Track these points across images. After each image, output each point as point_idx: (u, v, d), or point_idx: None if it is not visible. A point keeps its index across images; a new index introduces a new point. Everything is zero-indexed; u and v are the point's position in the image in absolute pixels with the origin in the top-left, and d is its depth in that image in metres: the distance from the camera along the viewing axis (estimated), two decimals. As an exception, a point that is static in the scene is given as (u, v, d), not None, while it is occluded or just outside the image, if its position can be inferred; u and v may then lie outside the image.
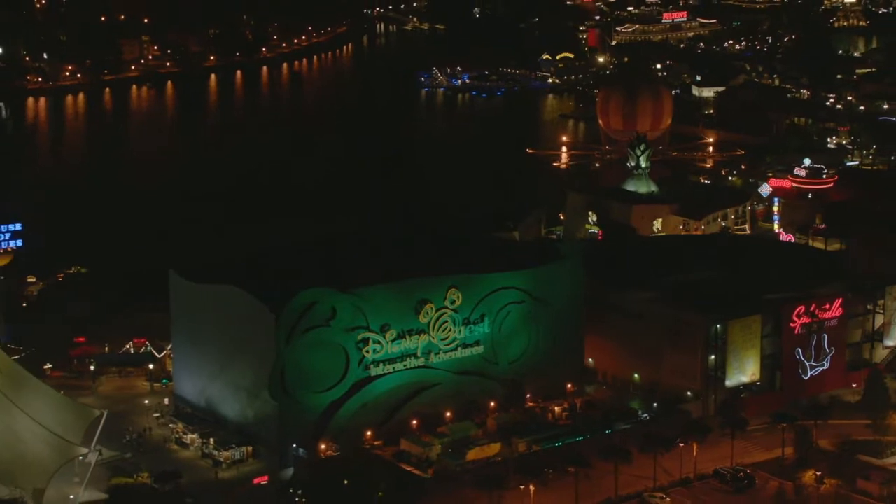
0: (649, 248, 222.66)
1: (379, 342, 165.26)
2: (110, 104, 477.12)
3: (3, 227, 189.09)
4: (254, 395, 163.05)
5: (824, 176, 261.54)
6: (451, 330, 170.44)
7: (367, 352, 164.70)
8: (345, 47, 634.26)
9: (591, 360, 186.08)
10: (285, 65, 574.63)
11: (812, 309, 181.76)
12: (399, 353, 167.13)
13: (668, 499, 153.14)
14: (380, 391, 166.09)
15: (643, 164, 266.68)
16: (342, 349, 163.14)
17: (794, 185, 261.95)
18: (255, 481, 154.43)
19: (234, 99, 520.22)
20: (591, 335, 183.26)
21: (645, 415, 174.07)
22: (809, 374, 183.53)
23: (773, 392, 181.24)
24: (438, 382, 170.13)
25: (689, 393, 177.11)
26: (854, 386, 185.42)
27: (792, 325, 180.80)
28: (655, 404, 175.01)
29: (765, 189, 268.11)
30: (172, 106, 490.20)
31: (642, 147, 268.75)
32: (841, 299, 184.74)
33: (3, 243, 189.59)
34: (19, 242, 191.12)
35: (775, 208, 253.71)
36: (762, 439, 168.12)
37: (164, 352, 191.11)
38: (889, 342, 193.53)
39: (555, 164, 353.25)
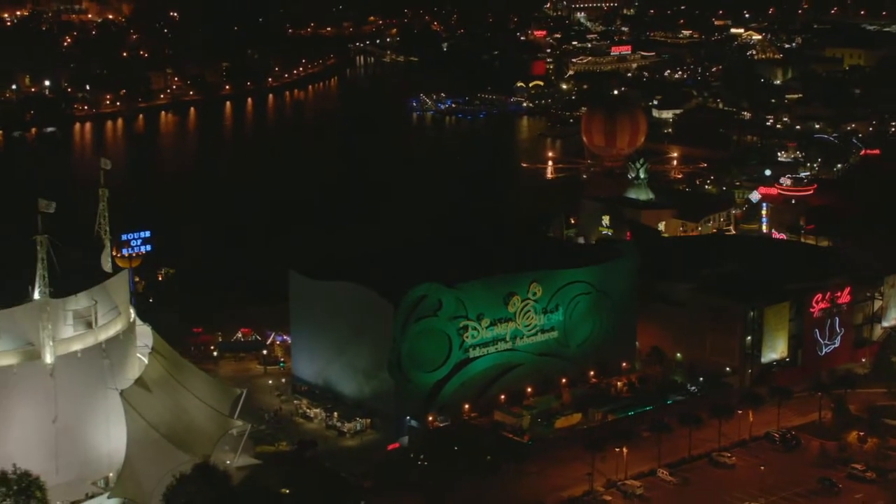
0: (675, 246, 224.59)
1: (476, 329, 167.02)
2: (145, 128, 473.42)
3: (135, 234, 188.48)
4: (372, 374, 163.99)
5: (799, 184, 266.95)
6: (532, 318, 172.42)
7: (467, 337, 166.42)
8: (334, 78, 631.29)
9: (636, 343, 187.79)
10: (287, 93, 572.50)
11: (828, 296, 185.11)
12: (491, 338, 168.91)
13: (733, 458, 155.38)
14: (476, 371, 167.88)
15: (642, 176, 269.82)
16: (446, 335, 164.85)
17: (780, 192, 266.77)
18: (389, 448, 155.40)
19: (246, 122, 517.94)
20: (639, 320, 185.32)
21: (693, 388, 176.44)
22: (824, 350, 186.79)
23: (796, 367, 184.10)
24: (522, 363, 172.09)
25: (727, 369, 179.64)
26: (863, 360, 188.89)
27: (812, 309, 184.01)
28: (701, 379, 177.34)
29: (755, 196, 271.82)
30: (196, 128, 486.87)
31: (641, 161, 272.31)
32: (850, 287, 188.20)
33: (135, 248, 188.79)
34: (149, 247, 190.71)
35: (763, 212, 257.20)
36: (796, 406, 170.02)
37: (271, 338, 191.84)
38: (885, 323, 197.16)
39: (549, 176, 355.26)
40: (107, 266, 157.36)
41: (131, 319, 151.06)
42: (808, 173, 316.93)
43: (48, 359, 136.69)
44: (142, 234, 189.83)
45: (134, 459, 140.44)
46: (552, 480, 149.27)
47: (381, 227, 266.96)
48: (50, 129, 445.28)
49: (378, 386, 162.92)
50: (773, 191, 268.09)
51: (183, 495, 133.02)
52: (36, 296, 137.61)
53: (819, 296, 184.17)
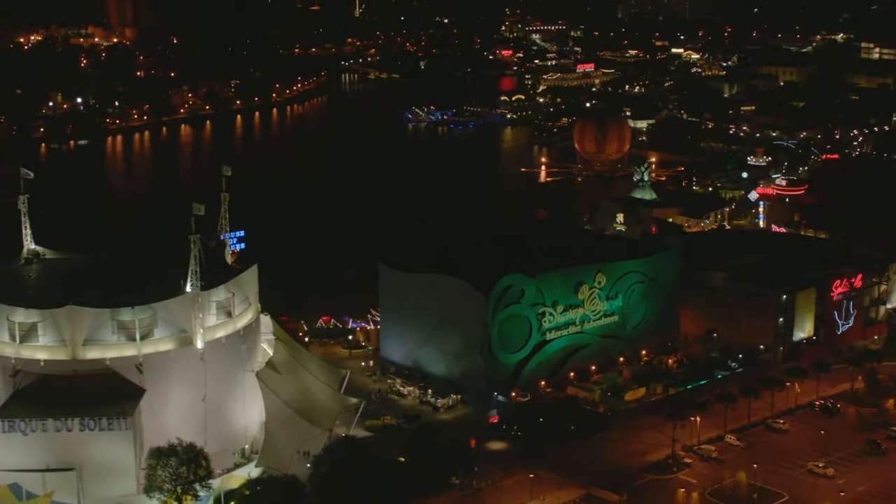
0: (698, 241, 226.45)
1: (552, 314, 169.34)
2: (168, 139, 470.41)
3: (231, 233, 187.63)
4: (463, 355, 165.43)
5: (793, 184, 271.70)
6: (598, 304, 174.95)
7: (544, 322, 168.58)
8: (326, 94, 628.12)
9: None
10: (288, 107, 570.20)
11: (845, 282, 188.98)
12: (564, 322, 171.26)
13: (786, 424, 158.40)
14: (552, 351, 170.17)
15: (646, 178, 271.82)
16: (527, 320, 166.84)
17: (775, 191, 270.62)
18: (490, 420, 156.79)
19: (258, 133, 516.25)
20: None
21: (734, 363, 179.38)
22: (841, 329, 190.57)
23: (818, 344, 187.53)
24: (588, 344, 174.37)
25: (761, 347, 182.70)
26: (875, 338, 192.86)
27: (832, 294, 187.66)
28: (741, 356, 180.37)
29: (753, 195, 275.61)
30: (216, 139, 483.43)
31: (645, 165, 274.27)
32: (862, 274, 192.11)
33: (231, 246, 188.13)
34: (243, 245, 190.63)
35: (761, 209, 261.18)
36: (827, 378, 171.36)
37: (349, 325, 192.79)
38: (889, 305, 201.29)
39: (548, 179, 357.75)
40: (229, 261, 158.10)
41: (258, 309, 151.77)
42: (777, 175, 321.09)
43: (199, 344, 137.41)
44: (237, 234, 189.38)
45: (273, 433, 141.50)
46: (633, 447, 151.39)
47: (419, 226, 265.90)
48: (83, 142, 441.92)
49: (469, 366, 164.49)
50: (770, 190, 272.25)
51: (327, 463, 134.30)
52: (188, 288, 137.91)
53: (838, 282, 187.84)
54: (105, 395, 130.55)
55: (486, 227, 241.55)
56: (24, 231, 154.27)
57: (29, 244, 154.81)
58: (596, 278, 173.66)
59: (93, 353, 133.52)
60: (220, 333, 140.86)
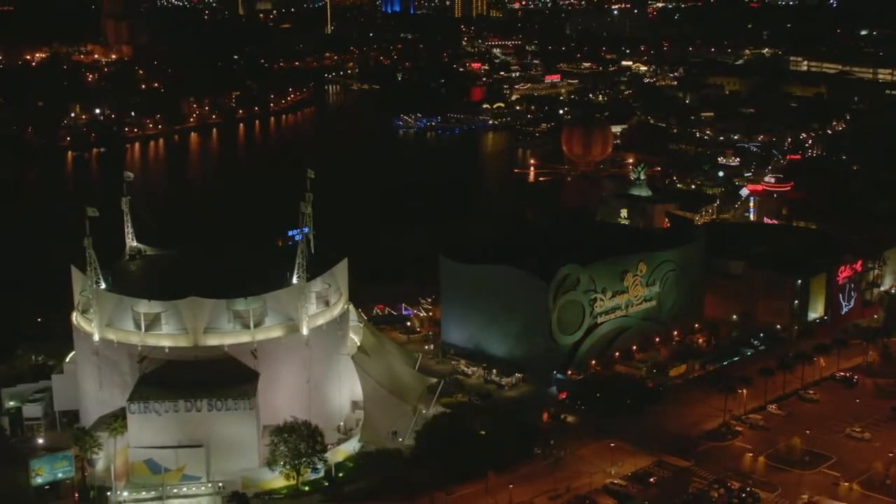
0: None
1: (602, 300, 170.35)
2: (181, 145, 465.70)
3: (297, 230, 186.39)
4: (525, 338, 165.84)
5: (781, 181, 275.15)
6: (640, 290, 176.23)
7: (596, 307, 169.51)
8: (314, 104, 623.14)
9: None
10: (283, 116, 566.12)
11: (849, 267, 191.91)
12: (612, 307, 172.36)
13: (816, 394, 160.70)
14: (601, 333, 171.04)
15: (641, 177, 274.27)
16: (581, 305, 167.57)
17: (765, 188, 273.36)
18: (560, 396, 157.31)
19: (260, 139, 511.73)
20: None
21: (756, 342, 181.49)
22: (844, 310, 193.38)
23: (826, 323, 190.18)
24: (631, 326, 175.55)
25: (778, 326, 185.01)
26: (875, 317, 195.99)
27: (838, 278, 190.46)
28: (762, 335, 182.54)
29: (744, 191, 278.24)
30: (227, 145, 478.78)
31: (641, 166, 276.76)
32: (862, 260, 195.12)
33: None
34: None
35: (751, 204, 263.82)
36: (842, 353, 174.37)
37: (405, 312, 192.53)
38: (883, 287, 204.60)
39: (541, 179, 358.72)
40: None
41: (348, 298, 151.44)
42: (749, 174, 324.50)
43: (304, 331, 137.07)
44: (304, 230, 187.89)
45: (369, 411, 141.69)
46: (686, 418, 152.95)
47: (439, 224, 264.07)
48: (103, 149, 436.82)
49: (531, 347, 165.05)
50: (759, 187, 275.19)
51: (428, 436, 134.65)
52: (294, 280, 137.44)
53: (843, 267, 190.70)
54: (225, 378, 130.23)
55: (518, 224, 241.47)
56: (126, 230, 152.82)
57: (131, 242, 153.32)
58: (638, 267, 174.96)
59: (212, 340, 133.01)
60: (321, 321, 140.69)
